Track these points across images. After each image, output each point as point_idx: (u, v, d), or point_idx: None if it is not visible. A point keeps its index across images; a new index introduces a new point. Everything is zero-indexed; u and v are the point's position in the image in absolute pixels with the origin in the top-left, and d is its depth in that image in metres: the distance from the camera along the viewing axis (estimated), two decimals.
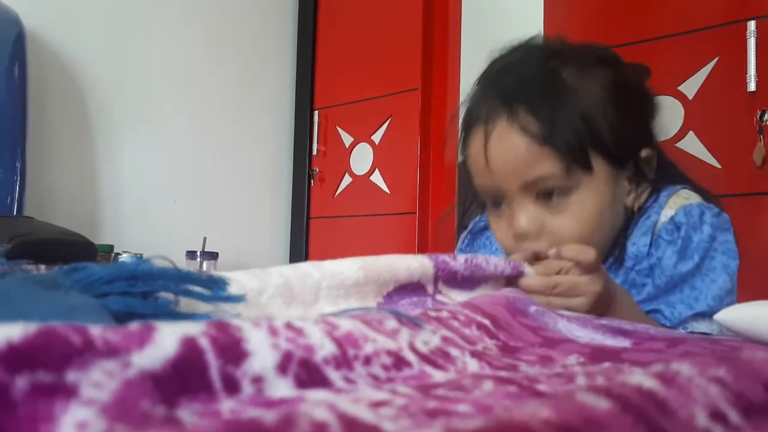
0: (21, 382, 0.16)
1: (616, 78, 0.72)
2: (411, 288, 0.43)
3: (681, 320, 0.64)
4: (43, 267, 0.43)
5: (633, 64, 0.80)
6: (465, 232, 0.89)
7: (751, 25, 1.23)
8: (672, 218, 0.68)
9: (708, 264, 0.66)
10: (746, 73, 1.23)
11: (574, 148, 0.66)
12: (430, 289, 0.44)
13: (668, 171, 0.76)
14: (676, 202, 0.70)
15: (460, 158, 0.81)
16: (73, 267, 0.36)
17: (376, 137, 1.85)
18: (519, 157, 0.67)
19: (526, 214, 0.67)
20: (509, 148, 0.67)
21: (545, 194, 0.67)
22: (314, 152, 1.99)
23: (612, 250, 0.71)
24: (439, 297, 0.44)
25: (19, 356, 0.16)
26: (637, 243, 0.70)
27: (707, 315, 0.63)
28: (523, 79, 0.71)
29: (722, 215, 0.69)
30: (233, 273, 0.38)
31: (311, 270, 0.40)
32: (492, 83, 0.74)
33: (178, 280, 0.31)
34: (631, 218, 0.72)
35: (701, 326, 0.64)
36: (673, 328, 0.64)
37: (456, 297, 0.46)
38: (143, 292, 0.31)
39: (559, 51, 0.74)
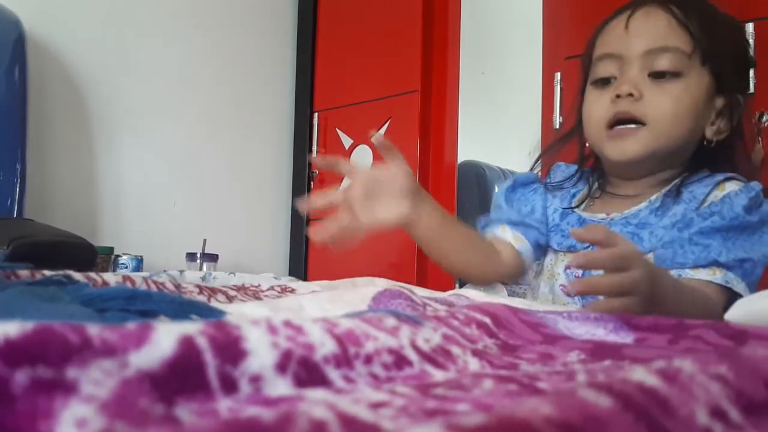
0: (21, 377, 0.16)
1: (742, 36, 0.87)
2: (398, 293, 0.43)
3: (734, 259, 0.69)
4: (44, 271, 0.43)
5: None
6: (510, 179, 0.95)
7: (750, 27, 1.23)
8: (747, 184, 0.75)
9: (760, 233, 0.72)
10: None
11: (702, 41, 0.77)
12: (418, 300, 0.44)
13: (735, 153, 0.86)
14: (742, 182, 0.77)
15: (585, 55, 0.89)
16: (73, 285, 0.36)
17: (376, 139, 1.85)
18: (658, 25, 0.78)
19: (636, 77, 0.77)
20: (652, 18, 0.79)
21: (657, 75, 0.77)
22: (314, 154, 1.99)
23: (672, 178, 0.80)
24: (428, 310, 0.44)
25: (17, 351, 0.16)
26: (695, 191, 0.77)
27: (752, 265, 0.70)
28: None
29: None
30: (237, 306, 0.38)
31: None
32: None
33: (176, 305, 0.32)
34: (701, 150, 0.80)
35: (739, 286, 0.69)
36: (721, 268, 0.69)
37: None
38: (141, 310, 0.32)
39: None
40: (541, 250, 0.87)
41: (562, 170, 0.93)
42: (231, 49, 1.91)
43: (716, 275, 0.69)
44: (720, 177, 0.78)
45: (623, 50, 0.79)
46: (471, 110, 1.95)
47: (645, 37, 0.78)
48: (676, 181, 0.80)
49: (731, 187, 0.76)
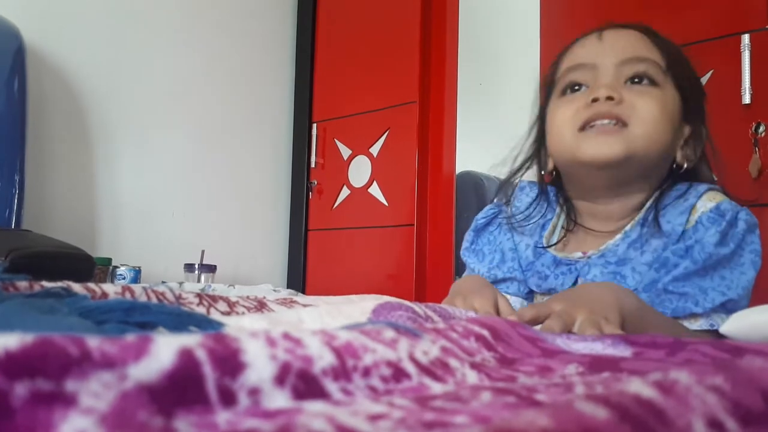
0: (20, 389, 0.16)
1: (697, 74, 0.83)
2: (397, 305, 0.43)
3: (713, 306, 0.66)
4: (43, 283, 0.43)
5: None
6: (468, 231, 0.89)
7: (745, 38, 1.24)
8: (717, 206, 0.71)
9: (737, 259, 0.68)
10: (741, 86, 1.23)
11: (672, 63, 0.76)
12: (420, 311, 0.44)
13: (706, 169, 0.82)
14: (716, 197, 0.73)
15: (549, 77, 0.85)
16: (72, 298, 0.36)
17: (374, 150, 1.86)
18: (631, 39, 0.77)
19: (614, 82, 0.74)
20: (624, 34, 0.78)
21: (634, 79, 0.75)
22: (312, 165, 1.99)
23: (643, 201, 0.76)
24: (429, 324, 0.44)
25: (17, 364, 0.16)
26: (672, 222, 0.72)
27: (733, 304, 0.66)
28: (626, 23, 0.80)
29: (753, 217, 0.71)
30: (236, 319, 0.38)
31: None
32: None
33: (175, 316, 0.32)
34: (671, 176, 0.77)
35: (727, 328, 0.65)
36: (701, 316, 0.66)
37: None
38: (140, 322, 0.32)
39: None
40: (531, 292, 0.81)
41: (527, 193, 0.87)
42: (230, 60, 1.92)
43: (698, 323, 0.66)
44: (692, 199, 0.73)
45: (597, 60, 0.76)
46: (469, 121, 1.96)
47: (620, 47, 0.76)
48: (648, 204, 0.75)
49: (703, 207, 0.72)
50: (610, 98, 0.72)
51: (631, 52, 0.75)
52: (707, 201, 0.73)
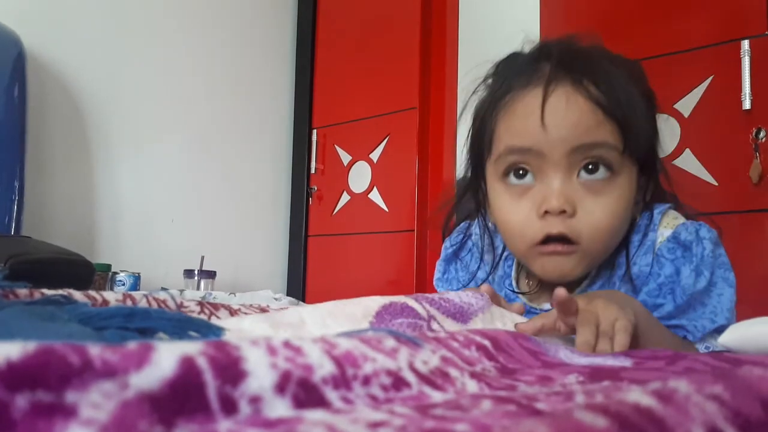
0: (21, 401, 0.16)
1: (643, 79, 0.72)
2: (400, 308, 0.43)
3: (704, 334, 0.64)
4: (43, 290, 0.43)
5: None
6: (439, 261, 0.86)
7: (745, 44, 1.25)
8: (673, 236, 0.68)
9: (715, 282, 0.66)
10: (741, 92, 1.24)
11: (632, 128, 0.65)
12: (423, 313, 0.44)
13: (657, 187, 0.76)
14: (670, 222, 0.70)
15: (481, 124, 0.74)
16: (72, 305, 0.36)
17: (374, 156, 1.86)
18: (583, 118, 0.65)
19: (567, 188, 0.65)
20: (574, 109, 0.65)
21: (588, 169, 0.66)
22: (312, 170, 1.99)
23: (613, 261, 0.71)
24: (434, 325, 0.44)
25: (18, 375, 0.16)
26: (638, 263, 0.69)
27: (725, 328, 0.64)
28: (580, 52, 0.70)
29: (713, 230, 0.69)
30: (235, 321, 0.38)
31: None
32: (541, 54, 0.70)
33: (175, 322, 0.32)
34: (630, 229, 0.71)
35: (725, 339, 0.64)
36: (693, 344, 0.65)
37: (450, 327, 0.45)
38: (140, 328, 0.32)
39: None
40: None
41: (477, 233, 0.82)
42: (230, 66, 1.92)
43: (695, 348, 0.65)
44: (652, 234, 0.69)
45: (543, 147, 0.66)
46: (469, 126, 1.95)
47: (568, 131, 0.65)
48: (619, 261, 0.71)
49: (660, 236, 0.69)
50: (563, 211, 0.65)
51: (582, 135, 0.65)
52: (663, 229, 0.70)
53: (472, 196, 0.79)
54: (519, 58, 0.74)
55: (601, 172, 0.66)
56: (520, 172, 0.69)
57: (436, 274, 0.85)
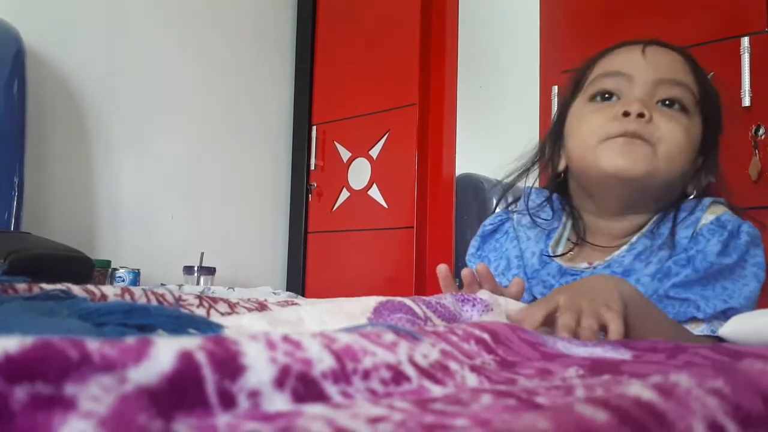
0: (20, 393, 0.16)
1: (720, 106, 0.81)
2: (398, 306, 0.43)
3: (714, 313, 0.65)
4: (42, 285, 0.43)
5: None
6: (475, 237, 0.89)
7: (745, 41, 1.24)
8: (717, 219, 0.72)
9: (740, 270, 0.68)
10: (741, 89, 1.23)
11: (706, 94, 0.76)
12: (420, 312, 0.44)
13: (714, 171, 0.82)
14: (717, 210, 0.74)
15: (578, 77, 0.83)
16: (71, 300, 0.36)
17: (374, 152, 1.86)
18: (674, 62, 0.76)
19: (648, 100, 0.73)
20: (668, 54, 0.77)
21: (666, 102, 0.74)
22: (312, 167, 1.99)
23: (657, 229, 0.75)
24: (429, 326, 0.44)
25: (17, 367, 0.16)
26: (678, 235, 0.73)
27: (734, 313, 0.65)
28: (669, 44, 0.79)
29: (756, 230, 0.71)
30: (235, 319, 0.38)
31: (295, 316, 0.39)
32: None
33: (174, 319, 0.32)
34: (680, 201, 0.77)
35: (726, 330, 0.65)
36: (702, 321, 0.66)
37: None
38: (139, 324, 0.32)
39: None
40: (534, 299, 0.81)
41: (533, 199, 0.86)
42: (229, 63, 1.92)
43: (700, 328, 0.66)
44: (698, 213, 0.74)
45: (635, 72, 0.75)
46: (469, 123, 1.96)
47: (660, 66, 0.75)
48: (656, 218, 0.76)
49: (705, 219, 0.73)
50: (641, 115, 0.71)
51: (671, 73, 0.75)
52: (709, 214, 0.73)
53: (550, 141, 0.85)
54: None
55: (677, 108, 0.74)
56: (607, 95, 0.77)
57: (470, 249, 0.88)
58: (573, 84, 0.83)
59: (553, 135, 0.85)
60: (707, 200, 0.76)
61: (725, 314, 0.65)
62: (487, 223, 0.88)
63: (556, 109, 0.88)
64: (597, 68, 0.80)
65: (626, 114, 0.72)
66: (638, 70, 0.75)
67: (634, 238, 0.76)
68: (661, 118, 0.72)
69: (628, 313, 0.56)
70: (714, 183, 0.80)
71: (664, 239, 0.73)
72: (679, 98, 0.74)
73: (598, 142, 0.74)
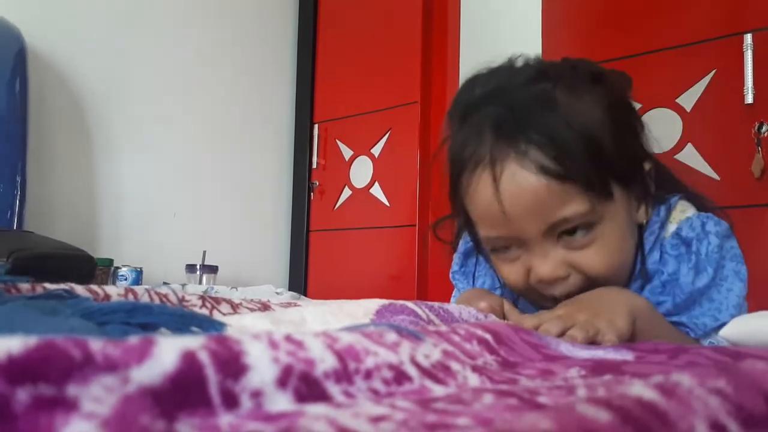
0: (22, 395, 0.16)
1: (609, 94, 0.68)
2: (400, 308, 0.43)
3: (706, 332, 0.64)
4: (45, 284, 0.43)
5: (614, 71, 0.76)
6: (457, 253, 0.85)
7: (748, 38, 1.24)
8: (676, 233, 0.67)
9: (720, 274, 0.65)
10: (743, 86, 1.23)
11: (594, 181, 0.61)
12: (423, 315, 0.44)
13: (665, 178, 0.76)
14: (676, 217, 0.69)
15: (455, 199, 0.71)
16: (74, 300, 0.36)
17: (376, 150, 1.86)
18: (540, 200, 0.61)
19: (551, 260, 0.63)
20: (529, 192, 0.61)
21: (568, 232, 0.63)
22: (314, 165, 1.99)
23: (633, 268, 0.69)
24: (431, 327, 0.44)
25: (20, 368, 0.16)
26: (649, 260, 0.68)
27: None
28: (517, 107, 0.64)
29: (722, 223, 0.68)
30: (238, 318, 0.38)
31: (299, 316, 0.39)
32: (480, 115, 0.66)
33: (177, 317, 0.32)
34: (640, 232, 0.70)
35: (726, 331, 0.63)
36: (698, 340, 0.64)
37: None
38: (142, 323, 0.32)
39: (544, 70, 0.68)
40: None
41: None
42: (231, 61, 1.92)
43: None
44: (660, 231, 0.68)
45: (515, 234, 0.64)
46: None
47: (533, 219, 0.62)
48: (637, 268, 0.69)
49: (667, 231, 0.68)
50: (558, 278, 0.64)
51: (548, 216, 0.62)
52: (669, 225, 0.69)
53: (470, 234, 0.77)
54: (463, 117, 0.70)
55: (579, 233, 0.63)
56: (506, 248, 0.67)
57: (453, 267, 0.85)
58: (458, 209, 0.72)
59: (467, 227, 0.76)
60: (663, 211, 0.70)
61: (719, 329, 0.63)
62: (468, 239, 0.82)
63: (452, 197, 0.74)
64: (475, 218, 0.68)
65: (541, 281, 0.64)
66: (517, 231, 0.63)
67: None
68: (579, 258, 0.63)
69: (638, 324, 0.55)
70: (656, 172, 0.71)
71: (636, 273, 0.68)
72: (575, 227, 0.62)
73: (527, 288, 0.67)
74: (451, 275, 0.85)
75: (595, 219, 0.63)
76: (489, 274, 0.81)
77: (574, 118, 0.62)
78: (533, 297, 0.69)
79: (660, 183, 0.73)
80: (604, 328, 0.50)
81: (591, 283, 0.64)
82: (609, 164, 0.63)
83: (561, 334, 0.48)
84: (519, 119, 0.62)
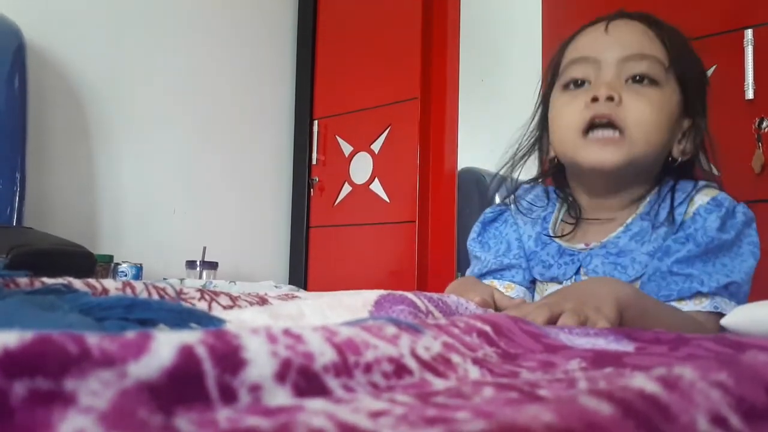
0: (19, 388, 0.16)
1: (702, 65, 0.83)
2: (399, 298, 0.43)
3: (717, 287, 0.68)
4: (43, 279, 0.42)
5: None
6: (477, 223, 0.92)
7: (749, 33, 1.24)
8: (713, 199, 0.74)
9: (737, 249, 0.71)
10: (744, 82, 1.23)
11: (676, 58, 0.76)
12: (422, 306, 0.44)
13: (703, 161, 0.84)
14: (712, 192, 0.76)
15: (551, 69, 0.86)
16: (72, 294, 0.36)
17: (376, 146, 1.86)
18: (636, 33, 0.77)
19: (613, 83, 0.74)
20: (631, 26, 0.78)
21: (635, 81, 0.75)
22: (314, 161, 1.99)
23: (642, 195, 0.79)
24: (431, 319, 0.44)
25: (16, 362, 0.16)
26: (675, 212, 0.75)
27: (736, 287, 0.69)
28: (631, 13, 0.81)
29: (750, 212, 0.74)
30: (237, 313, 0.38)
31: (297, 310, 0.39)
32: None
33: (176, 313, 0.32)
34: (672, 171, 0.79)
35: (728, 307, 0.67)
36: (706, 297, 0.68)
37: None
38: (140, 319, 0.32)
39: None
40: (533, 282, 0.85)
41: (520, 195, 0.90)
42: (231, 57, 1.91)
43: (703, 304, 0.68)
44: (690, 191, 0.76)
45: (599, 54, 0.77)
46: (471, 117, 1.95)
47: (623, 43, 0.77)
48: (649, 199, 0.78)
49: (700, 200, 0.75)
50: (609, 98, 0.73)
51: (635, 48, 0.75)
52: (704, 195, 0.75)
53: (538, 129, 0.89)
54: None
55: (646, 82, 0.75)
56: (579, 82, 0.79)
57: (471, 234, 0.92)
58: (551, 71, 0.86)
59: (541, 125, 0.89)
60: (701, 183, 0.78)
61: (727, 289, 0.68)
62: (488, 212, 0.92)
63: (539, 97, 0.90)
64: (567, 53, 0.82)
65: (595, 99, 0.74)
66: (602, 51, 0.77)
67: (629, 220, 0.78)
68: (631, 99, 0.73)
69: (626, 314, 0.57)
70: (700, 152, 0.82)
71: (662, 218, 0.75)
72: (646, 73, 0.75)
73: (575, 137, 0.76)
74: (468, 243, 0.92)
75: (661, 80, 0.75)
76: (504, 241, 0.87)
77: (681, 37, 0.80)
78: (573, 149, 0.78)
79: (692, 164, 0.82)
80: (592, 316, 0.52)
81: (625, 141, 0.73)
82: (688, 76, 0.78)
83: (548, 322, 0.49)
84: (632, 14, 0.80)
